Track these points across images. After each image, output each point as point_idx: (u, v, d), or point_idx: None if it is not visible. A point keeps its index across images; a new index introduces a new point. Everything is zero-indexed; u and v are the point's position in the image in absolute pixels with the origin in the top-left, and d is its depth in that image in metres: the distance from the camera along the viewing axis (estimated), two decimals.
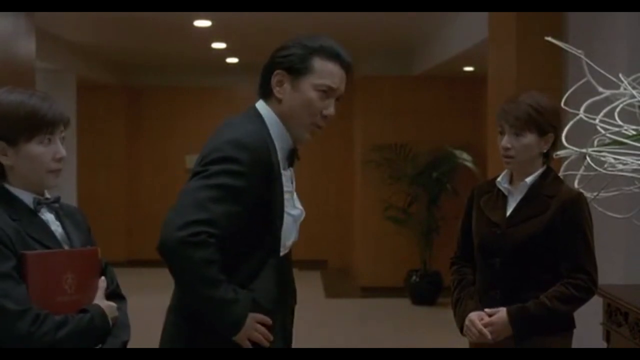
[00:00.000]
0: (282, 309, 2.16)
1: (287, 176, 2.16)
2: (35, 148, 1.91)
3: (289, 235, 2.16)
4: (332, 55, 2.14)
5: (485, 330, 2.56)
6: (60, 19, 6.72)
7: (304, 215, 2.23)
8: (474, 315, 2.61)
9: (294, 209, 2.18)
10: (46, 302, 1.83)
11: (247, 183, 2.00)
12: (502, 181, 2.69)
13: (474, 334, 2.60)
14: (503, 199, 2.67)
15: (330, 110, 2.15)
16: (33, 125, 1.89)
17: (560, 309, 2.53)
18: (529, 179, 2.62)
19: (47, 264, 1.86)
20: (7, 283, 1.77)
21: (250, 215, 2.02)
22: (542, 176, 2.63)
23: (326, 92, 2.13)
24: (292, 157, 2.18)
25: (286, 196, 2.13)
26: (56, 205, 1.98)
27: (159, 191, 10.47)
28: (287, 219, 2.13)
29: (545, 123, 2.57)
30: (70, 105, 8.37)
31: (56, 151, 1.94)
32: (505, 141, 2.58)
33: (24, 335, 1.76)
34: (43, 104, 1.92)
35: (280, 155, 2.12)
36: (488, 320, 2.57)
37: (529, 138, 2.57)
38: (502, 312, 2.55)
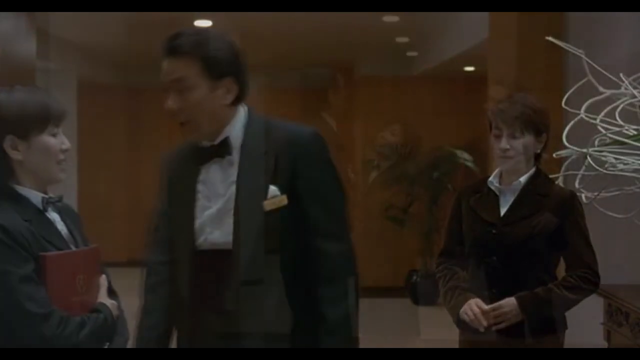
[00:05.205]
0: None
1: None
2: (48, 139, 1.94)
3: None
4: None
5: (487, 308, 2.54)
6: (60, 19, 6.71)
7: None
8: (473, 302, 2.59)
9: None
10: (62, 302, 1.86)
11: None
12: (493, 181, 2.70)
13: (470, 316, 2.56)
14: (494, 198, 2.68)
15: None
16: (44, 117, 1.93)
17: (568, 297, 2.55)
18: (522, 179, 2.64)
19: (64, 265, 1.90)
20: (29, 286, 1.80)
21: None
22: (534, 176, 2.65)
23: None
24: None
25: None
26: (59, 204, 2.01)
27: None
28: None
29: (541, 123, 2.61)
30: (70, 105, 8.35)
31: (62, 142, 1.98)
32: (505, 143, 2.59)
33: (50, 337, 1.79)
34: (48, 98, 1.97)
35: None
36: (496, 304, 2.55)
37: (527, 139, 2.59)
38: (510, 299, 2.54)
